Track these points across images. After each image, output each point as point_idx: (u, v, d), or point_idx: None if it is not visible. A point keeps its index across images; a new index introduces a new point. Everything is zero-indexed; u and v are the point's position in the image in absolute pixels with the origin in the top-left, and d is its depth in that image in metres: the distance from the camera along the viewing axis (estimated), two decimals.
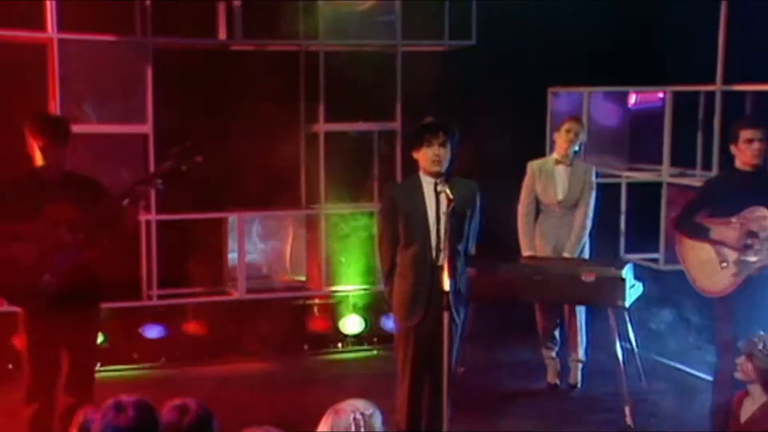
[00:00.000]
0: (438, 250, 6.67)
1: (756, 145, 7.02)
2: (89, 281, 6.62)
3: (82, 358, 6.65)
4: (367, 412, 4.65)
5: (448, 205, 6.26)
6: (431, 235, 6.70)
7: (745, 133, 7.06)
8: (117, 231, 6.71)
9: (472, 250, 6.91)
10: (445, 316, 6.13)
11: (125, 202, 6.62)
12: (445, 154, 6.56)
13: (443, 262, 6.34)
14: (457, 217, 6.41)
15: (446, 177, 6.54)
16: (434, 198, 6.63)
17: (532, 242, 8.64)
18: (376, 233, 9.69)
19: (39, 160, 6.42)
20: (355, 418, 4.59)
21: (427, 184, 6.65)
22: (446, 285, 6.09)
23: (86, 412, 4.33)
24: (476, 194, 6.80)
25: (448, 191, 6.26)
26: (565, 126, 8.66)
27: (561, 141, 8.65)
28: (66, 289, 6.40)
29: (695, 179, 9.34)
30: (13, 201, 6.42)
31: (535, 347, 9.02)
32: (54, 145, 6.41)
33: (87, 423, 4.27)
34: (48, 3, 8.83)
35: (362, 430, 4.57)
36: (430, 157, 6.59)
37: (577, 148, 8.65)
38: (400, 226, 6.82)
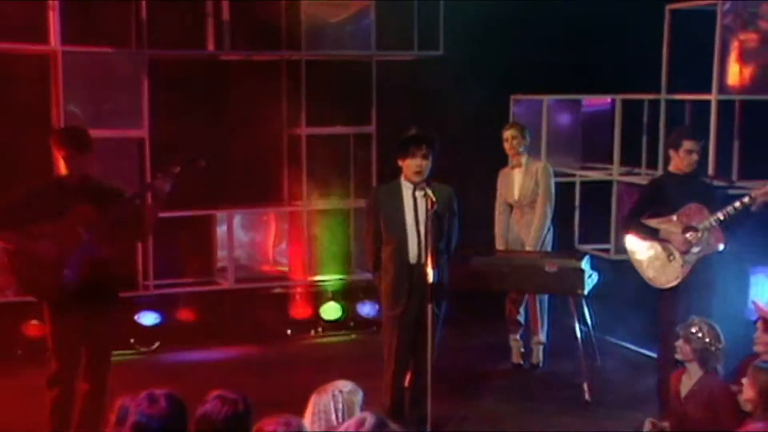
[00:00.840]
0: (418, 248, 6.84)
1: (694, 156, 7.31)
2: (106, 278, 6.73)
3: (100, 348, 6.77)
4: (346, 389, 4.80)
5: (431, 208, 6.52)
6: (408, 234, 6.91)
7: (687, 144, 7.34)
8: (137, 228, 6.82)
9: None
10: (429, 307, 6.41)
11: (137, 201, 6.72)
12: (427, 164, 6.80)
13: (423, 259, 6.61)
14: (437, 218, 6.64)
15: (427, 182, 6.76)
16: (412, 202, 6.87)
17: (503, 238, 8.90)
18: (352, 228, 10.11)
19: (62, 168, 6.65)
20: (334, 395, 4.74)
21: (407, 188, 6.90)
22: (430, 277, 6.41)
23: (124, 401, 4.44)
24: (453, 197, 7.01)
25: (431, 194, 6.52)
26: (504, 135, 8.81)
27: (507, 149, 8.81)
28: (85, 285, 6.53)
29: (640, 177, 9.58)
30: (39, 205, 6.53)
31: (499, 331, 9.22)
32: (75, 155, 6.55)
33: (124, 410, 4.40)
34: (51, 18, 8.91)
35: (340, 405, 4.71)
36: (412, 167, 6.82)
37: (522, 149, 8.75)
38: (381, 225, 7.05)
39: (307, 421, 4.65)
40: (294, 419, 4.41)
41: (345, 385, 4.83)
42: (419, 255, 6.83)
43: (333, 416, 4.69)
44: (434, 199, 6.54)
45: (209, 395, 4.40)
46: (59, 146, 6.64)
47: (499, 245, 8.87)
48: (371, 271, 7.40)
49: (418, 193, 6.79)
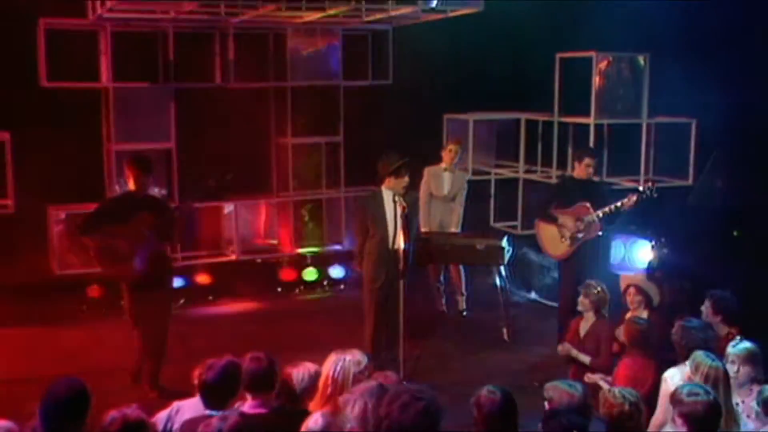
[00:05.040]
0: (394, 238, 7.72)
1: (591, 168, 8.38)
2: (164, 264, 7.68)
3: (163, 310, 7.67)
4: (348, 359, 4.98)
5: (404, 211, 7.49)
6: (389, 229, 7.85)
7: (587, 160, 8.34)
8: (169, 236, 7.83)
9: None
10: (402, 282, 7.48)
11: (176, 214, 7.86)
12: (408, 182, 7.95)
13: (397, 245, 7.63)
14: (408, 217, 7.58)
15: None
16: (392, 205, 7.78)
17: (427, 221, 9.73)
18: (325, 212, 10.97)
19: (131, 185, 7.53)
20: (337, 360, 4.99)
21: (387, 196, 7.89)
22: (401, 245, 7.44)
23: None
24: (416, 201, 8.16)
25: (402, 202, 7.54)
26: (449, 147, 9.75)
27: (446, 157, 9.71)
28: (150, 270, 7.38)
29: (537, 174, 10.66)
30: (115, 213, 7.43)
31: (427, 285, 10.00)
32: (141, 176, 7.45)
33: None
34: (103, 62, 9.91)
35: (339, 368, 4.94)
36: (402, 184, 7.83)
37: (457, 159, 9.73)
38: (369, 223, 8.00)
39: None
40: (312, 366, 4.99)
41: (353, 356, 5.02)
42: (394, 243, 7.76)
43: (331, 373, 4.96)
44: (405, 205, 7.54)
45: (245, 356, 4.81)
46: (132, 168, 7.47)
47: (424, 226, 9.50)
48: (356, 256, 8.30)
49: (397, 199, 7.66)
